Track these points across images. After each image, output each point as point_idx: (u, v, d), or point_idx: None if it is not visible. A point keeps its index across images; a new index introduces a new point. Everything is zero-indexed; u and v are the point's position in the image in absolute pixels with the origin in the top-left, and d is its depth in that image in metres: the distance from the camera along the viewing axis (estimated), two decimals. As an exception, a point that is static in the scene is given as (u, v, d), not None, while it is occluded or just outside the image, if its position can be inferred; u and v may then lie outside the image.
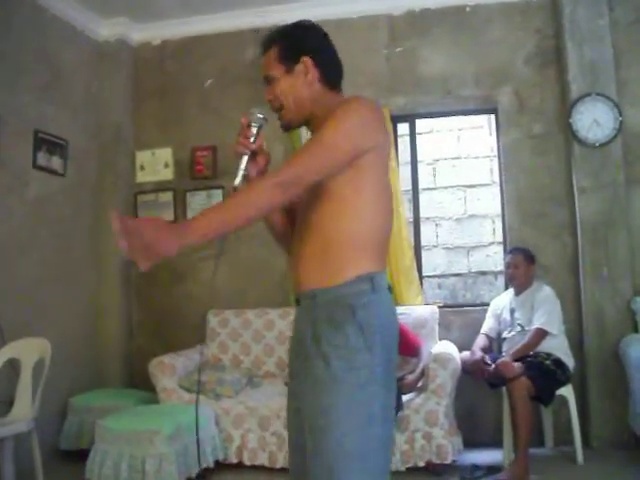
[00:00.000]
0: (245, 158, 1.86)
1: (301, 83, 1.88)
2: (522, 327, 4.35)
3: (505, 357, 4.14)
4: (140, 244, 1.46)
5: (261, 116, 1.87)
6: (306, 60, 1.87)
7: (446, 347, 4.41)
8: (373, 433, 1.69)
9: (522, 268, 4.47)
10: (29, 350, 3.90)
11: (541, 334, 4.20)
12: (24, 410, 3.73)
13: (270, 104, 1.93)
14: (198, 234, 1.53)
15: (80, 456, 4.15)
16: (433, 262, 6.79)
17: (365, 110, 1.80)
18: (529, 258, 4.52)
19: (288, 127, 1.95)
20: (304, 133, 4.63)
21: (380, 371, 1.73)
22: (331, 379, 1.71)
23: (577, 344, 4.57)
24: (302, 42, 1.91)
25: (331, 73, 1.93)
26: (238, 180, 1.84)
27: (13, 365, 3.93)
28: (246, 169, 1.86)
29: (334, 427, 1.68)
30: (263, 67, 1.92)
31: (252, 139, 1.87)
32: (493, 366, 4.11)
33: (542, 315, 4.24)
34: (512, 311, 4.47)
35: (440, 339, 4.73)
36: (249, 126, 1.87)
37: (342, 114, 1.76)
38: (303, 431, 1.78)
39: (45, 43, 4.88)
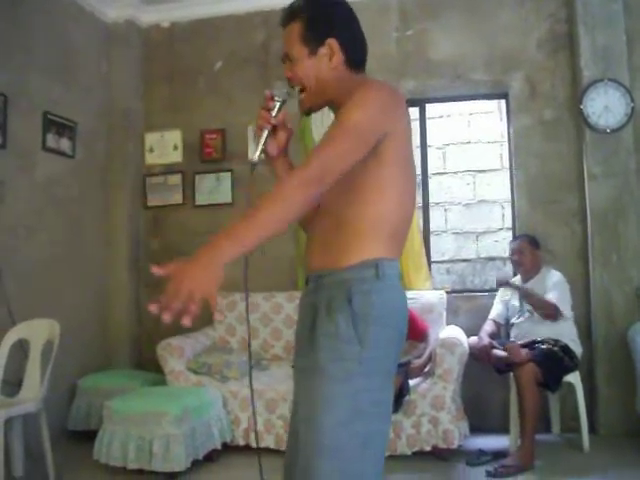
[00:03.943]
0: (265, 132, 1.79)
1: (325, 67, 1.78)
2: (531, 313, 4.34)
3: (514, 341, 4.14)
4: (178, 294, 1.42)
5: (285, 90, 1.81)
6: (331, 43, 1.78)
7: (454, 332, 4.41)
8: (356, 430, 1.59)
9: (527, 253, 4.47)
10: (38, 331, 3.92)
11: (555, 308, 4.19)
12: (33, 391, 3.75)
13: (289, 81, 1.83)
14: (229, 257, 1.49)
15: (88, 437, 4.19)
16: (442, 247, 6.78)
17: (385, 95, 1.71)
18: (533, 243, 4.52)
19: (309, 111, 1.86)
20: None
21: (373, 364, 1.63)
22: (317, 370, 1.65)
23: (585, 331, 4.56)
24: (327, 20, 1.81)
25: (356, 54, 1.85)
26: (256, 155, 1.79)
27: (22, 346, 3.95)
28: (265, 144, 1.79)
29: (316, 420, 1.61)
30: (284, 42, 1.82)
31: (274, 113, 1.80)
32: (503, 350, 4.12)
33: (554, 297, 4.23)
34: (521, 297, 4.46)
35: (448, 324, 4.73)
36: (272, 99, 1.80)
37: (363, 98, 1.66)
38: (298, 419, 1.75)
39: (54, 24, 4.86)
